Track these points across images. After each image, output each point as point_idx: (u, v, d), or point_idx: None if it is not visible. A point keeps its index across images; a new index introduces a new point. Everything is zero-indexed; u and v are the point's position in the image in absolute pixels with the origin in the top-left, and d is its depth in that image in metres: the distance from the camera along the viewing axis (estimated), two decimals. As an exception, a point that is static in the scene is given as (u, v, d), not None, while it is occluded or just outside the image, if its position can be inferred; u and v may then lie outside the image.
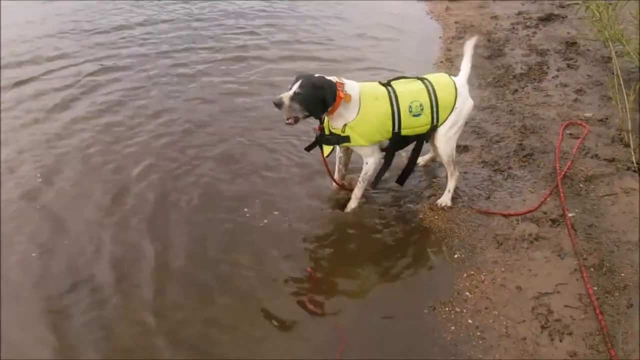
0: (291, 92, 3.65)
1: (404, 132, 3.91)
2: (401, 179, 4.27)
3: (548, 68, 6.37)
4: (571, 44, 6.98)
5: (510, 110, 5.50)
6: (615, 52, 4.96)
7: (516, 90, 5.81)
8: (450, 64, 6.73)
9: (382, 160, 4.09)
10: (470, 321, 3.25)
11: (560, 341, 3.06)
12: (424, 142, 4.13)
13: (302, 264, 3.76)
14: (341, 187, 4.38)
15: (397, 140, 3.98)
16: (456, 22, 8.28)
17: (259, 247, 3.90)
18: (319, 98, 3.68)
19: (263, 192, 4.46)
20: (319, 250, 3.91)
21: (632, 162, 4.41)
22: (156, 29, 8.14)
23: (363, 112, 3.80)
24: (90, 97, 5.99)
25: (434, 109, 3.91)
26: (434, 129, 4.00)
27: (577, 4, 6.65)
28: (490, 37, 7.44)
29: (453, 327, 3.22)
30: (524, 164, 4.62)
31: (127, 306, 3.40)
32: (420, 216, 4.16)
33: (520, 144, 4.89)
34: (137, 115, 5.58)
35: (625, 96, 4.54)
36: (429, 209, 4.21)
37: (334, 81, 3.76)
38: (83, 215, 4.16)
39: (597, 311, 3.16)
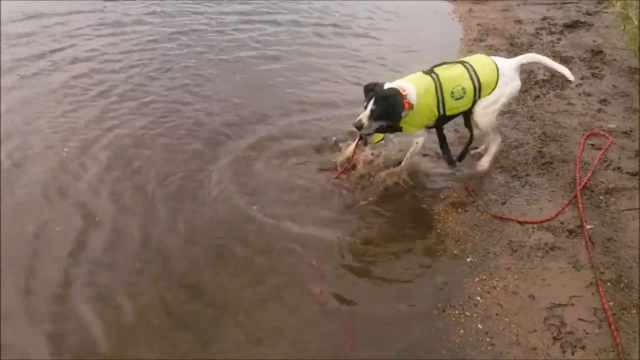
0: (367, 112, 3.88)
1: (448, 113, 4.18)
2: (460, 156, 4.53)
3: (570, 76, 6.25)
4: (597, 52, 6.85)
5: (531, 117, 5.39)
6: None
7: (538, 97, 5.70)
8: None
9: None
10: (480, 326, 3.18)
11: (572, 354, 2.98)
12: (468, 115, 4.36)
13: (309, 257, 3.72)
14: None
15: (443, 120, 4.27)
16: (478, 25, 8.15)
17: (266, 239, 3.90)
18: (394, 108, 3.91)
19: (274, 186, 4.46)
20: (330, 245, 3.85)
21: (656, 177, 4.31)
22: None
23: (415, 107, 4.03)
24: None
25: (476, 90, 4.15)
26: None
27: (607, 11, 6.52)
28: (513, 42, 7.31)
29: (462, 331, 3.16)
30: (543, 172, 4.52)
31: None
32: (435, 217, 4.09)
33: (540, 151, 4.79)
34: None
35: (652, 109, 4.44)
36: (443, 211, 4.14)
37: (397, 88, 3.98)
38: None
39: (613, 327, 3.07)
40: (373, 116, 3.89)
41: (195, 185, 4.44)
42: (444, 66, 4.22)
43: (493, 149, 4.51)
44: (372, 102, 3.89)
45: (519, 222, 3.97)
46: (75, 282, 3.49)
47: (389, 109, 3.90)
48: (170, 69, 6.57)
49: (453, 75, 4.15)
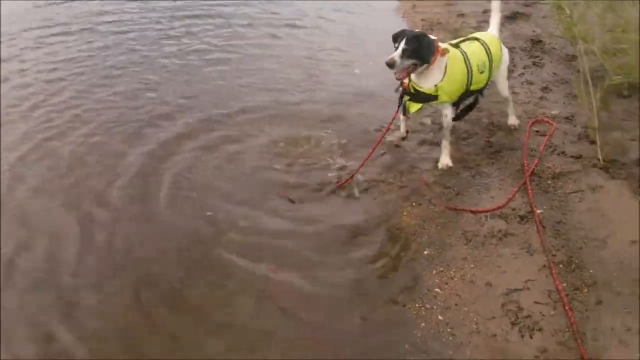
0: (399, 51, 4.06)
1: (473, 87, 4.49)
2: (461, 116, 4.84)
3: (514, 66, 6.38)
4: (536, 42, 7.03)
5: (478, 108, 5.48)
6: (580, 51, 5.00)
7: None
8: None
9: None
10: (440, 317, 3.22)
11: (531, 337, 3.04)
12: (481, 95, 4.76)
13: (266, 261, 3.71)
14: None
15: (465, 95, 4.55)
16: (423, 20, 8.27)
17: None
18: (425, 45, 4.12)
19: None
20: (286, 248, 3.84)
21: (598, 160, 4.43)
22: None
23: (449, 72, 4.27)
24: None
25: (491, 63, 4.54)
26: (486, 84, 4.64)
27: (547, 3, 6.71)
28: (457, 35, 7.37)
29: (423, 324, 3.19)
30: (492, 161, 4.62)
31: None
32: (391, 213, 4.12)
33: (488, 141, 4.90)
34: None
35: (592, 94, 4.56)
36: (398, 206, 4.18)
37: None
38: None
39: (567, 307, 3.15)
40: (405, 54, 4.07)
41: (142, 192, 4.43)
42: (466, 42, 4.55)
43: (512, 108, 5.09)
44: (403, 41, 4.07)
45: (472, 212, 4.04)
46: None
47: (420, 47, 4.11)
48: (118, 75, 6.59)
49: (475, 50, 4.48)
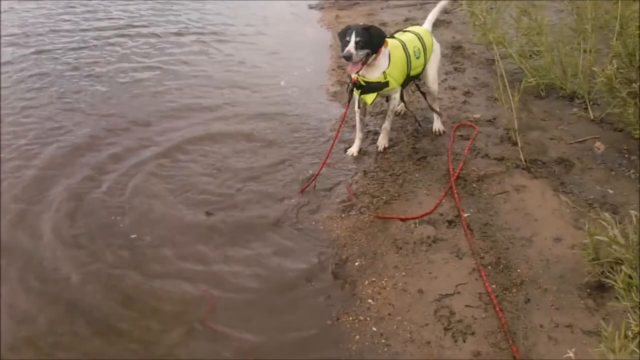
0: (353, 43, 4.29)
1: (412, 72, 4.81)
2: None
3: (436, 72, 6.51)
4: (457, 47, 7.20)
5: (403, 115, 5.55)
6: (499, 55, 5.14)
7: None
8: (342, 71, 6.77)
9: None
10: (374, 329, 3.18)
11: (464, 342, 3.05)
12: (418, 79, 5.15)
13: (198, 284, 3.59)
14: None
15: (406, 82, 4.85)
16: (346, 30, 8.33)
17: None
18: (376, 34, 4.42)
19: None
20: (218, 270, 3.73)
21: (521, 160, 4.54)
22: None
23: (393, 59, 4.59)
24: None
25: (425, 51, 4.87)
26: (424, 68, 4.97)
27: (462, 9, 6.89)
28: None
29: (358, 337, 3.14)
30: (419, 167, 4.65)
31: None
32: (320, 227, 4.07)
33: (414, 147, 4.94)
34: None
35: (510, 96, 4.67)
36: (327, 218, 4.14)
37: None
38: None
39: (497, 309, 3.18)
40: (359, 46, 4.30)
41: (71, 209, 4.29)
42: (399, 33, 4.96)
43: (437, 108, 5.27)
44: (354, 34, 4.30)
45: (401, 219, 4.04)
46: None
47: (371, 37, 4.36)
48: (45, 87, 6.43)
49: (409, 38, 4.83)
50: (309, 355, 3.07)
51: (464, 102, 5.75)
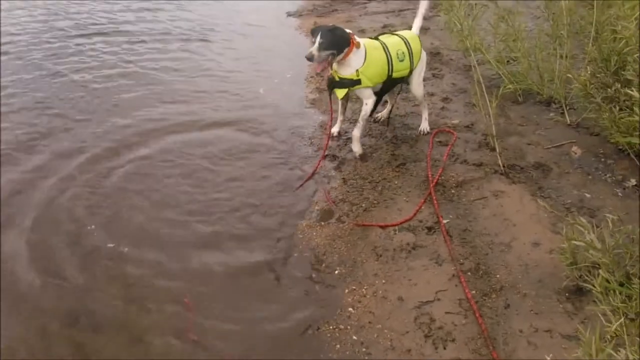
0: (317, 44, 4.41)
1: (394, 75, 4.85)
2: (387, 121, 5.54)
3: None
4: (435, 54, 7.24)
5: (381, 122, 5.56)
6: (476, 61, 5.18)
7: (385, 102, 5.90)
8: (321, 78, 6.76)
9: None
10: (355, 337, 3.16)
11: (444, 349, 3.04)
12: (405, 84, 5.17)
13: (176, 293, 3.53)
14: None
15: (388, 83, 4.93)
16: (324, 37, 8.35)
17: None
18: (339, 37, 4.49)
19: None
20: (193, 281, 3.67)
21: (499, 165, 4.56)
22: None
23: (369, 59, 4.66)
24: None
25: (411, 56, 4.94)
26: (411, 72, 5.03)
27: (440, 16, 6.93)
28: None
29: (338, 346, 3.12)
30: (398, 174, 4.65)
31: None
32: (300, 236, 4.04)
33: (393, 154, 4.94)
34: None
35: (488, 102, 4.70)
36: (307, 227, 4.12)
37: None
38: None
39: (477, 315, 3.18)
40: (322, 47, 4.42)
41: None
42: (384, 36, 5.02)
43: (425, 114, 5.37)
44: (319, 35, 4.42)
45: (381, 227, 4.03)
46: None
47: (334, 39, 4.46)
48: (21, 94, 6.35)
49: (394, 42, 4.90)
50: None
51: (443, 108, 5.78)
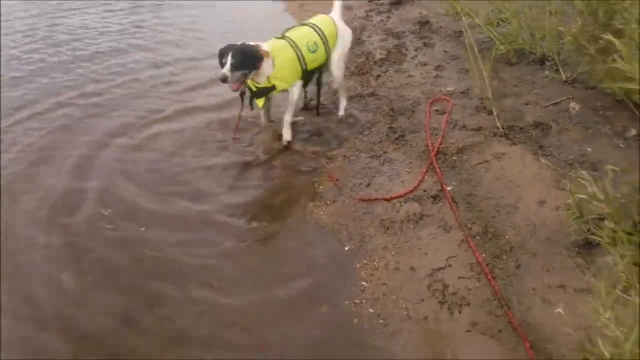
0: (228, 65, 4.37)
1: (309, 66, 4.85)
2: (317, 110, 5.43)
3: (406, 49, 6.52)
4: (424, 23, 7.21)
5: (377, 96, 5.56)
6: (467, 25, 5.16)
7: (379, 76, 5.90)
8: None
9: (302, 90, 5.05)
10: (371, 310, 3.20)
11: (460, 313, 3.07)
12: (324, 71, 5.15)
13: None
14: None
15: (307, 76, 4.92)
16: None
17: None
18: (249, 55, 4.46)
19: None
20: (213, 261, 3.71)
21: (498, 128, 4.56)
22: None
23: (277, 63, 4.64)
24: None
25: (325, 42, 4.92)
26: (329, 56, 5.02)
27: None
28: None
29: (356, 320, 3.16)
30: (398, 146, 4.67)
31: None
32: (306, 217, 4.06)
33: (391, 127, 4.95)
34: None
35: (482, 66, 4.69)
36: (314, 207, 4.14)
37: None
38: None
39: (489, 277, 3.21)
40: (233, 67, 4.38)
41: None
42: (291, 30, 4.99)
43: (344, 102, 5.36)
44: (230, 56, 4.37)
45: (386, 200, 4.06)
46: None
47: (245, 59, 4.43)
48: None
49: (302, 34, 4.89)
50: (310, 343, 3.08)
51: (436, 76, 5.77)
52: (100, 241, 3.90)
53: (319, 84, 5.30)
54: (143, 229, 4.01)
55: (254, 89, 4.75)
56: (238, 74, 4.44)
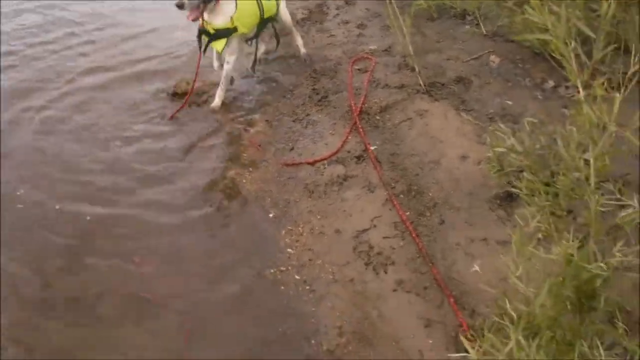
0: None
1: (266, 15, 4.81)
2: (253, 67, 5.17)
3: (328, 8, 6.41)
4: (345, -19, 7.07)
5: (299, 58, 5.43)
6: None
7: (302, 36, 5.76)
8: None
9: (237, 62, 4.86)
10: (297, 277, 3.14)
11: (385, 273, 3.05)
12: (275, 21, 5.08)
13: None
14: None
15: (262, 25, 4.87)
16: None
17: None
18: None
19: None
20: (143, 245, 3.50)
21: (420, 85, 4.53)
22: None
23: (240, 6, 4.54)
24: None
25: None
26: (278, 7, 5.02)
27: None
28: None
29: (282, 287, 3.09)
30: (321, 108, 4.58)
31: None
32: (229, 184, 3.93)
33: (314, 89, 4.85)
34: None
35: (402, 22, 4.63)
36: (236, 175, 4.00)
37: None
38: None
39: (413, 235, 3.19)
40: None
41: None
42: None
43: (300, 40, 5.43)
44: None
45: (309, 163, 3.97)
46: None
47: None
48: None
49: None
50: (236, 317, 2.98)
51: (359, 35, 5.68)
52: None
53: (276, 35, 5.18)
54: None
55: (212, 31, 4.53)
56: (196, 1, 4.26)
